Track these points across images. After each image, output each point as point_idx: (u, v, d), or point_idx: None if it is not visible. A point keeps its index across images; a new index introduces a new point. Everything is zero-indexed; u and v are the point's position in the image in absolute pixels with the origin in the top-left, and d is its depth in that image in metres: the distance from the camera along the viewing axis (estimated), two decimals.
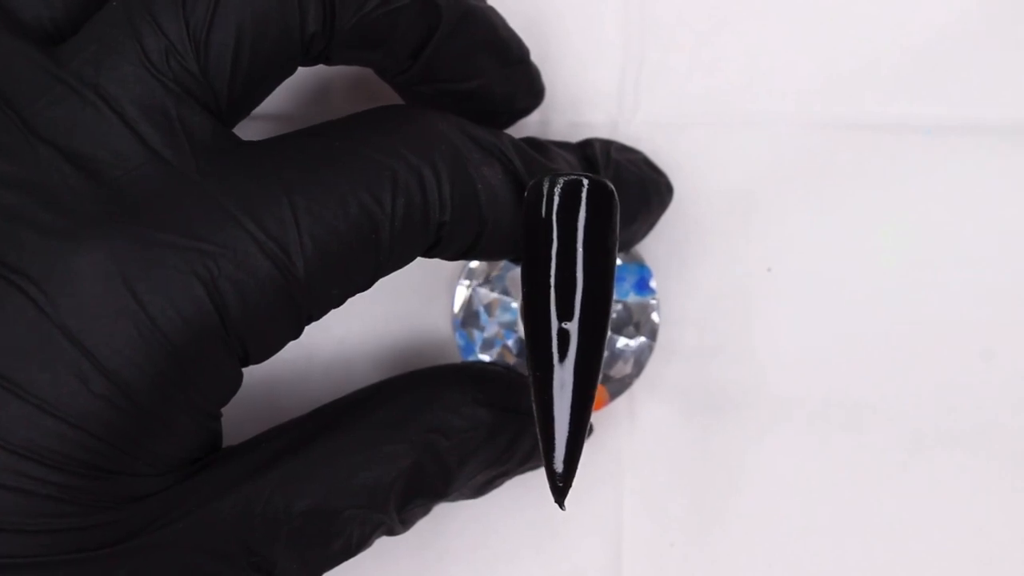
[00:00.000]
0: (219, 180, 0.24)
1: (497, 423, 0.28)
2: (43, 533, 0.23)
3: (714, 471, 0.33)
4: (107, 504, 0.24)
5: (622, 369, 0.32)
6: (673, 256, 0.33)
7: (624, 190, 0.28)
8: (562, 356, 0.25)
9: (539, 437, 0.25)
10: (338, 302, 0.25)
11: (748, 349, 0.33)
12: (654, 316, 0.33)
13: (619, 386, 0.33)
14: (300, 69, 0.31)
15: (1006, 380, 0.33)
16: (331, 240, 0.24)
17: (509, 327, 0.32)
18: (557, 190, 0.25)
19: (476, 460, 0.28)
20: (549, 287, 0.25)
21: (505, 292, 0.32)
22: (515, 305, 0.32)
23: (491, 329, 0.32)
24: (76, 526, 0.23)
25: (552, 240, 0.25)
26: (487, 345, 0.32)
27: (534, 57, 0.30)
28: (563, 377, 0.25)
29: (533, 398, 0.25)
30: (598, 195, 0.25)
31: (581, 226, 0.25)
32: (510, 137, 0.27)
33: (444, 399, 0.28)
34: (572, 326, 0.25)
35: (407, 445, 0.27)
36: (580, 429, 0.25)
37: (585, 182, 0.25)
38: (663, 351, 0.33)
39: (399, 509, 0.27)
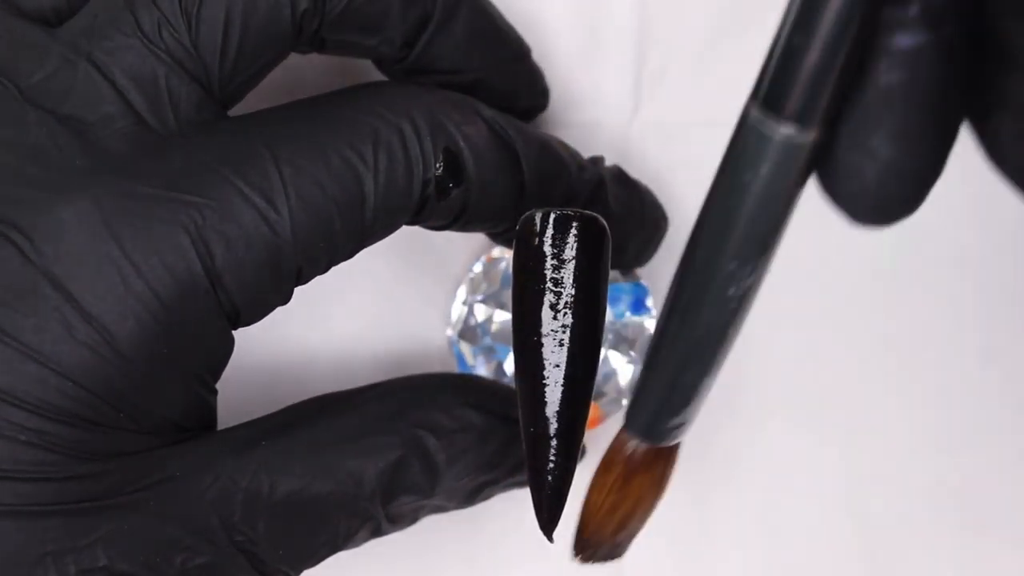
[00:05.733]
0: (203, 141, 0.25)
1: (488, 428, 0.28)
2: (22, 481, 0.23)
3: (713, 472, 0.33)
4: (88, 456, 0.24)
5: (616, 388, 0.32)
6: (671, 255, 0.33)
7: (620, 224, 0.29)
8: (552, 386, 0.25)
9: (527, 467, 0.25)
10: (325, 264, 0.26)
11: (746, 349, 0.33)
12: (650, 336, 0.33)
13: (614, 405, 0.33)
14: (302, 77, 0.31)
15: (1004, 380, 0.33)
16: (315, 192, 0.25)
17: (505, 342, 0.32)
18: (550, 223, 0.25)
19: (464, 462, 0.28)
20: (540, 318, 0.25)
21: (502, 306, 0.32)
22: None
23: (487, 342, 0.32)
24: (56, 475, 0.24)
25: (544, 273, 0.25)
26: (482, 358, 0.32)
27: (535, 58, 0.30)
28: (552, 406, 0.25)
29: (521, 424, 0.25)
30: (589, 230, 0.25)
31: (572, 260, 0.25)
32: (500, 113, 0.28)
33: (436, 400, 0.28)
34: (562, 354, 0.25)
35: (396, 438, 0.27)
36: (570, 457, 0.25)
37: (575, 218, 0.25)
38: None
39: (385, 503, 0.27)
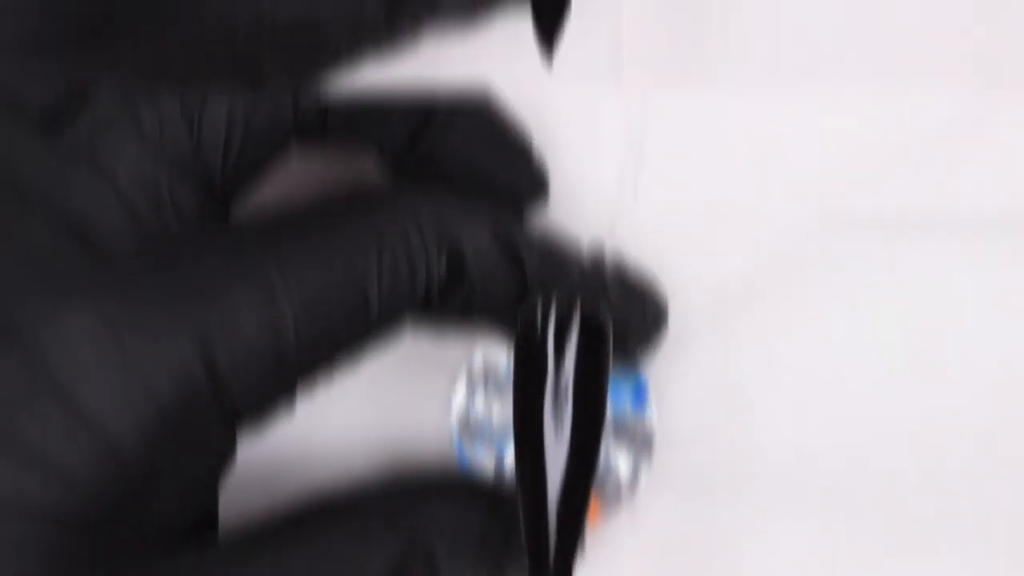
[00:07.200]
0: (207, 247, 0.25)
1: (488, 529, 0.27)
2: None
3: (714, 559, 0.33)
4: (93, 563, 0.24)
5: (616, 482, 0.32)
6: (670, 344, 0.32)
7: (620, 324, 0.29)
8: (553, 482, 0.25)
9: (528, 563, 0.25)
10: (329, 370, 0.26)
11: (746, 438, 0.33)
12: (650, 429, 0.32)
13: (613, 501, 0.32)
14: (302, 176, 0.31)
15: (1005, 466, 0.33)
16: (319, 297, 0.25)
17: (507, 435, 0.32)
18: (550, 321, 0.25)
19: (465, 562, 0.27)
20: (541, 416, 0.25)
21: (503, 399, 0.32)
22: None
23: (488, 435, 0.32)
24: None
25: (544, 371, 0.25)
26: (483, 451, 0.32)
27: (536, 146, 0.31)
28: (552, 498, 0.25)
29: (520, 519, 0.25)
30: (590, 328, 0.26)
31: (573, 358, 0.25)
32: (505, 212, 0.28)
33: (437, 502, 0.27)
34: (563, 451, 0.25)
35: (396, 541, 0.26)
36: (571, 552, 0.25)
37: (576, 316, 0.25)
38: (660, 438, 0.33)
39: None
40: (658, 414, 0.32)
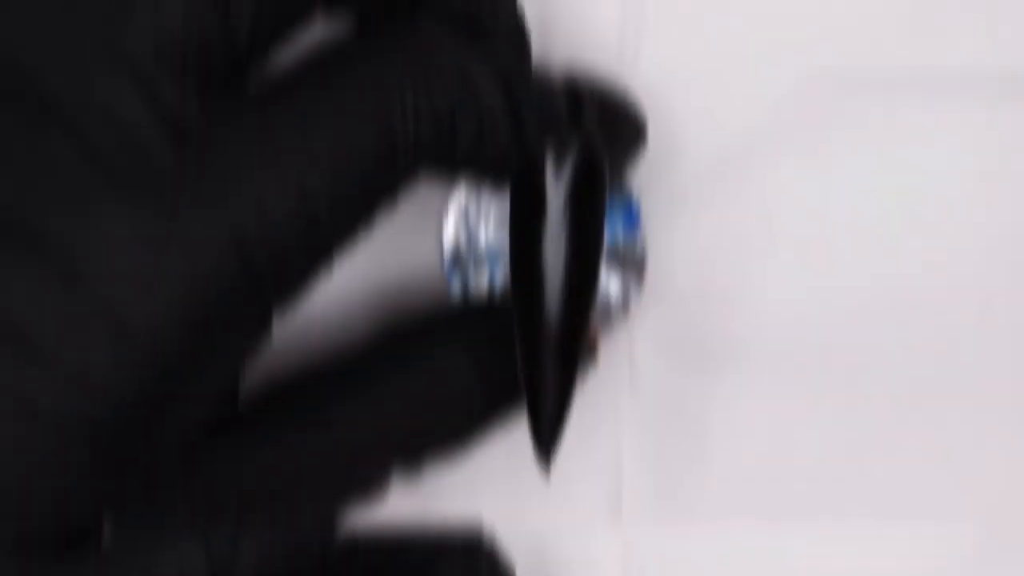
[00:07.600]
0: (231, 130, 0.24)
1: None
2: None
3: (710, 426, 0.33)
4: (113, 468, 0.24)
5: (605, 304, 0.32)
6: (669, 205, 0.32)
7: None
8: (551, 303, 0.26)
9: (523, 387, 0.26)
10: (358, 232, 0.26)
11: (744, 300, 0.32)
12: (642, 250, 0.32)
13: (606, 323, 0.32)
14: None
15: (1005, 330, 0.33)
16: (348, 160, 0.24)
17: (499, 256, 0.31)
18: (548, 153, 0.26)
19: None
20: (539, 250, 0.26)
21: (497, 222, 0.31)
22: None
23: (482, 259, 0.31)
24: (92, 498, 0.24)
25: (543, 206, 0.26)
26: (478, 276, 0.32)
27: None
28: (551, 324, 0.26)
29: (517, 349, 0.26)
30: (587, 157, 0.26)
31: (570, 186, 0.26)
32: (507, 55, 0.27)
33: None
34: (560, 284, 0.25)
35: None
36: (569, 384, 0.26)
37: (576, 153, 0.26)
38: (654, 299, 0.32)
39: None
40: (650, 240, 0.32)
